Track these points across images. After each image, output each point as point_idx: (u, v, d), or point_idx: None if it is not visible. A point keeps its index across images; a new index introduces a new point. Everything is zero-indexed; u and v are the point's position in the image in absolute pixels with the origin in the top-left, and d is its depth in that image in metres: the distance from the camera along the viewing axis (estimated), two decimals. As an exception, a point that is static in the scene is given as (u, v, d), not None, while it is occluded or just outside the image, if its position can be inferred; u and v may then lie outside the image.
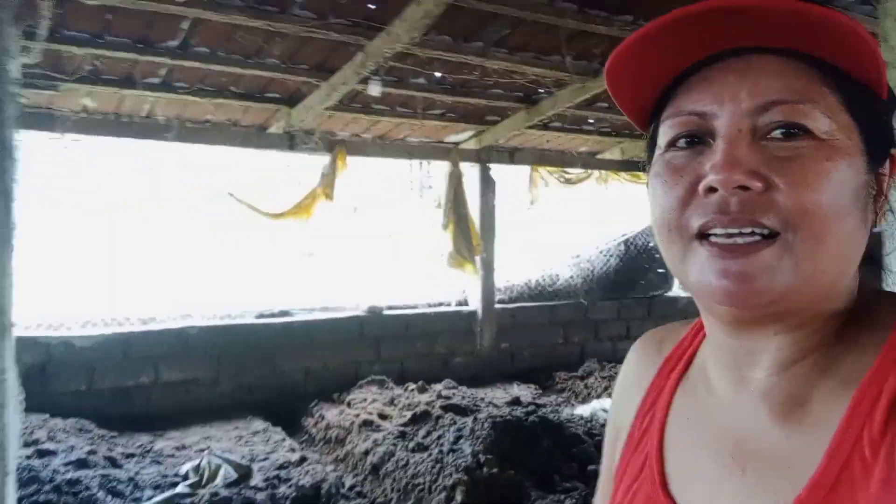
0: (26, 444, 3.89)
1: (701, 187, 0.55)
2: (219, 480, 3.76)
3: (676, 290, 8.47)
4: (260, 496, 3.64)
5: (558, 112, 5.67)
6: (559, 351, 7.33)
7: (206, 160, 5.69)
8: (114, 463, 3.97)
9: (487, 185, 6.81)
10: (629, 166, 7.35)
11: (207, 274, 6.16)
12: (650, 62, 0.59)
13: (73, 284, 5.49)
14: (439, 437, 4.54)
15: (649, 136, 0.65)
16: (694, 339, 0.74)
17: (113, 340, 5.19)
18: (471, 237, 6.56)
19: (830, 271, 0.55)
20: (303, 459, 4.34)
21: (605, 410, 5.08)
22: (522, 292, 7.41)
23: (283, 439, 4.82)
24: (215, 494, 3.47)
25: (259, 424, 5.10)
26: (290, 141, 5.54)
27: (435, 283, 7.04)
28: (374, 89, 4.44)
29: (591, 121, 6.45)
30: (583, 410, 5.46)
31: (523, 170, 7.14)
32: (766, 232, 0.53)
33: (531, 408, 5.24)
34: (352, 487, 4.03)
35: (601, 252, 7.96)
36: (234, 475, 3.85)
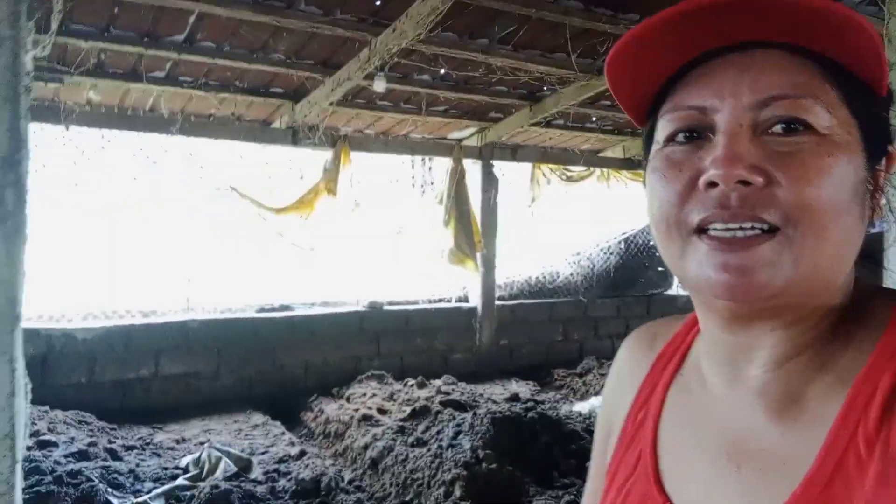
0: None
1: (701, 182, 0.55)
2: (219, 473, 3.78)
3: (676, 289, 8.50)
4: (260, 489, 3.66)
5: (561, 110, 5.68)
6: (558, 348, 7.36)
7: (210, 156, 5.69)
8: (114, 455, 3.99)
9: (489, 181, 6.82)
10: (631, 165, 7.36)
11: (209, 270, 6.17)
12: (650, 57, 0.58)
13: (76, 278, 5.50)
14: (438, 433, 4.56)
15: (646, 131, 0.65)
16: (687, 335, 0.73)
17: (114, 333, 5.20)
18: (472, 234, 6.57)
19: (829, 267, 0.55)
20: (302, 453, 4.36)
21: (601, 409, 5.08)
22: (522, 289, 7.44)
23: (283, 433, 4.84)
24: (216, 487, 3.49)
25: (258, 418, 5.12)
26: (294, 136, 5.55)
27: (435, 280, 7.05)
28: (380, 85, 4.45)
29: (593, 119, 6.46)
30: (581, 407, 5.48)
31: (525, 168, 7.15)
32: (765, 227, 0.52)
33: (530, 404, 5.26)
34: (351, 481, 4.05)
35: (601, 250, 7.98)
36: (234, 468, 3.87)
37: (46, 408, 4.49)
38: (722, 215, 0.53)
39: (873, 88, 0.58)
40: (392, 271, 6.93)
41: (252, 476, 3.85)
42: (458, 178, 6.48)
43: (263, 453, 4.32)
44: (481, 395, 5.80)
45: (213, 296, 5.98)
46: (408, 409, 5.14)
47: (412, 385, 5.92)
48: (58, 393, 4.78)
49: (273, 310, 6.11)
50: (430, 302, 6.96)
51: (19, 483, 1.52)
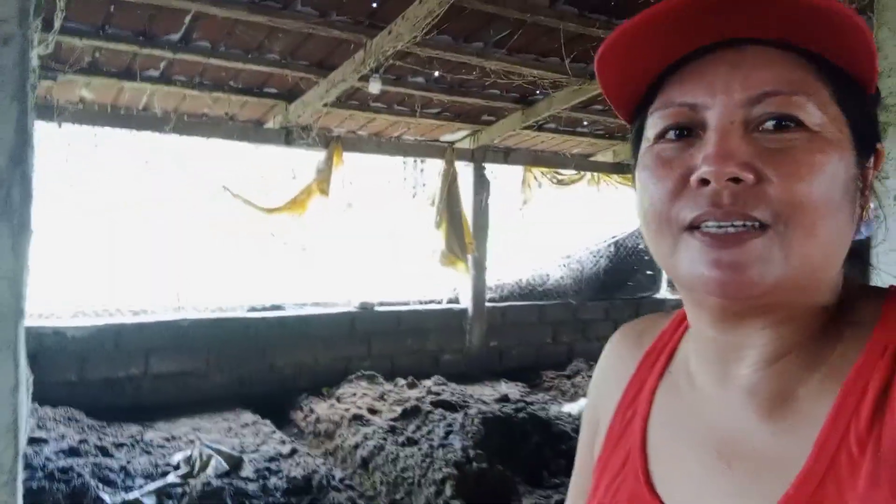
0: (18, 432, 3.88)
1: (693, 179, 0.54)
2: (210, 471, 3.78)
3: (664, 293, 8.58)
4: (251, 487, 3.67)
5: (553, 113, 5.73)
6: (548, 350, 7.40)
7: (204, 156, 5.69)
8: (105, 452, 3.98)
9: (481, 184, 6.87)
10: (621, 169, 7.44)
11: (205, 269, 6.17)
12: (641, 53, 0.58)
13: (70, 277, 5.49)
14: (429, 433, 4.59)
15: (636, 129, 0.64)
16: (675, 333, 0.73)
17: (105, 331, 5.19)
18: (463, 236, 6.61)
19: (820, 263, 0.54)
20: (293, 452, 4.37)
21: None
22: (513, 291, 7.49)
23: (273, 432, 4.84)
24: (207, 484, 3.50)
25: (249, 417, 5.12)
26: (287, 136, 5.57)
27: (426, 281, 7.08)
28: (375, 87, 4.48)
29: (585, 123, 6.52)
30: (570, 408, 5.53)
31: (516, 171, 7.21)
32: (756, 224, 0.52)
33: (520, 405, 5.30)
34: (341, 480, 4.07)
35: (591, 253, 8.05)
36: (225, 466, 3.87)
37: (36, 405, 4.48)
38: (715, 214, 0.53)
39: (863, 86, 0.58)
40: (384, 272, 6.96)
41: (243, 474, 3.85)
42: (450, 180, 6.52)
43: (254, 452, 4.32)
44: (471, 395, 5.83)
45: (207, 295, 5.98)
46: (399, 409, 5.17)
47: (403, 385, 5.95)
48: (48, 390, 4.75)
49: (264, 309, 6.12)
50: (421, 303, 6.99)
51: (21, 473, 1.54)
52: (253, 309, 6.08)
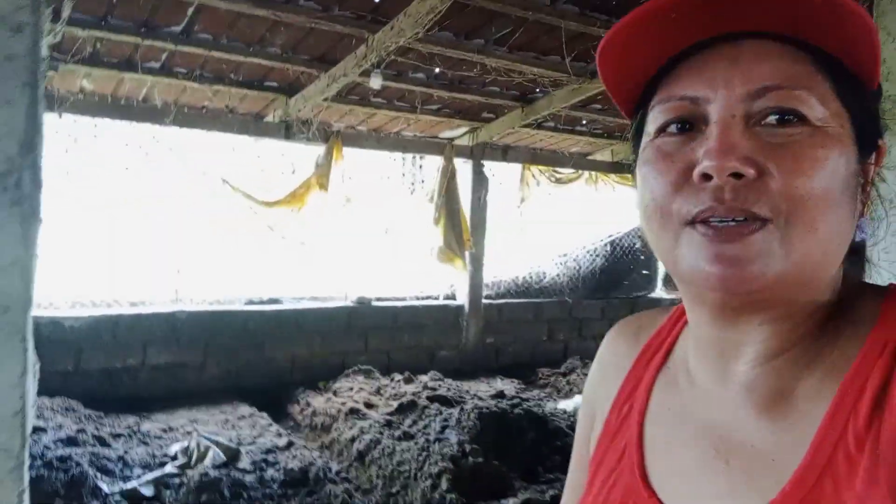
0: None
1: (695, 174, 0.54)
2: (207, 462, 3.80)
3: (659, 292, 8.63)
4: (249, 478, 3.69)
5: (553, 112, 5.75)
6: (543, 347, 7.44)
7: (204, 150, 5.69)
8: (102, 442, 4.00)
9: (480, 181, 6.89)
10: (619, 168, 7.47)
11: (204, 263, 6.18)
12: (642, 46, 0.57)
13: (68, 269, 5.48)
14: (425, 427, 4.61)
15: (636, 123, 0.64)
16: (673, 328, 0.72)
17: (102, 322, 5.19)
18: (461, 233, 6.63)
19: (820, 259, 0.54)
20: (290, 444, 4.39)
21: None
22: (509, 289, 7.51)
23: (270, 424, 4.86)
24: (205, 475, 3.51)
25: (245, 409, 5.13)
26: (287, 130, 5.57)
27: (424, 277, 7.10)
28: (376, 82, 4.48)
29: (584, 122, 6.55)
30: (566, 405, 5.56)
31: (515, 169, 7.23)
32: (757, 219, 0.52)
33: (516, 401, 5.33)
34: (337, 473, 4.09)
35: (587, 252, 8.08)
36: (222, 457, 3.89)
37: (33, 395, 4.48)
38: (717, 210, 0.52)
39: (865, 81, 0.57)
40: (381, 268, 6.97)
41: (240, 465, 3.87)
42: (448, 176, 6.54)
43: (251, 444, 4.34)
44: (467, 391, 5.86)
45: (205, 288, 5.99)
46: (395, 404, 5.19)
47: (399, 380, 5.97)
48: (45, 380, 4.72)
49: (262, 303, 6.13)
50: (417, 299, 7.01)
51: (27, 461, 1.56)
52: (250, 302, 6.09)
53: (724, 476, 0.57)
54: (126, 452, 3.88)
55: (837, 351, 0.56)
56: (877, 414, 0.50)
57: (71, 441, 3.82)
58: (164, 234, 5.98)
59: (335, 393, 5.60)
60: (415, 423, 4.75)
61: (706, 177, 0.53)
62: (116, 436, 4.21)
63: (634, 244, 8.25)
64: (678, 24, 0.55)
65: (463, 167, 6.78)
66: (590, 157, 7.50)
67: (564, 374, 6.78)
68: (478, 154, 6.78)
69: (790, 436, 0.55)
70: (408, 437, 4.50)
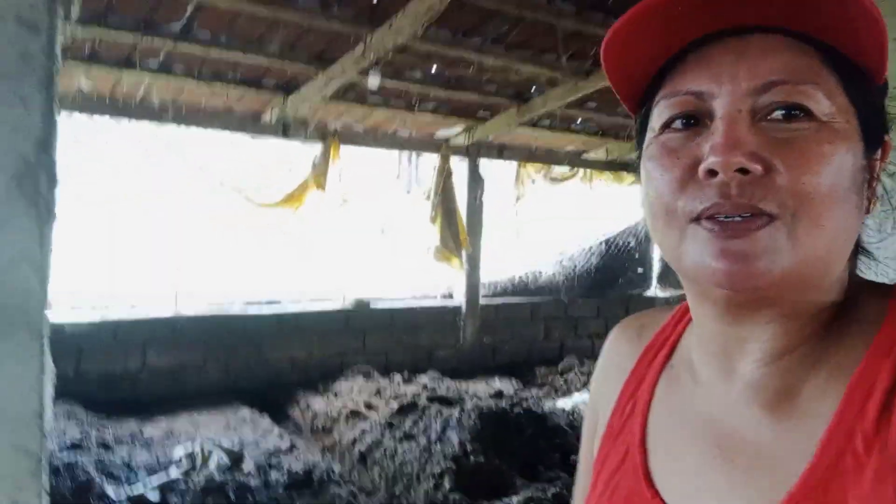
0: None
1: (701, 170, 0.53)
2: (212, 465, 3.78)
3: (654, 290, 8.67)
4: (253, 481, 3.67)
5: (548, 111, 5.76)
6: (540, 346, 7.46)
7: (203, 147, 5.67)
8: (106, 447, 3.97)
9: (476, 180, 6.89)
10: (614, 167, 7.50)
11: (203, 262, 6.16)
12: (646, 40, 0.57)
13: (67, 270, 5.46)
14: (426, 427, 4.61)
15: (640, 119, 0.63)
16: (676, 327, 0.72)
17: (102, 326, 5.16)
18: (458, 232, 6.63)
19: (827, 255, 0.53)
20: (292, 447, 4.38)
21: (585, 404, 5.20)
22: (506, 288, 7.53)
23: (271, 427, 4.84)
24: (210, 479, 3.50)
25: (246, 412, 5.11)
26: (284, 128, 5.55)
27: (421, 276, 7.11)
28: (374, 81, 4.48)
29: (579, 120, 6.56)
30: (564, 404, 5.58)
31: (511, 168, 7.24)
32: (764, 215, 0.51)
33: (515, 400, 5.35)
34: (341, 475, 4.08)
35: (583, 250, 8.11)
36: (226, 460, 3.87)
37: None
38: (723, 207, 0.52)
39: (871, 76, 0.56)
40: (378, 267, 6.97)
41: (244, 468, 3.86)
42: (445, 175, 6.54)
43: (253, 447, 4.32)
44: (466, 391, 5.87)
45: (205, 289, 5.97)
46: (395, 405, 5.19)
47: (398, 381, 5.97)
48: (43, 385, 4.72)
49: (260, 305, 6.12)
50: (415, 299, 7.01)
51: (46, 461, 1.55)
52: (249, 305, 6.08)
53: (728, 475, 0.57)
54: (130, 457, 3.86)
55: (843, 350, 0.55)
56: (885, 416, 0.50)
57: (75, 446, 3.79)
58: (164, 230, 5.95)
59: (335, 394, 5.60)
60: (416, 423, 4.75)
61: (712, 173, 0.52)
62: (119, 440, 4.18)
63: (629, 242, 8.30)
64: (684, 17, 0.54)
65: (459, 166, 6.78)
66: (585, 156, 7.52)
67: (562, 373, 6.80)
68: (474, 153, 6.78)
69: (796, 435, 0.54)
70: (409, 437, 4.50)
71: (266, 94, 5.12)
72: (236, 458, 3.93)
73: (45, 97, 1.46)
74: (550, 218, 7.97)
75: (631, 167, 7.65)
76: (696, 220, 0.53)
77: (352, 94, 5.37)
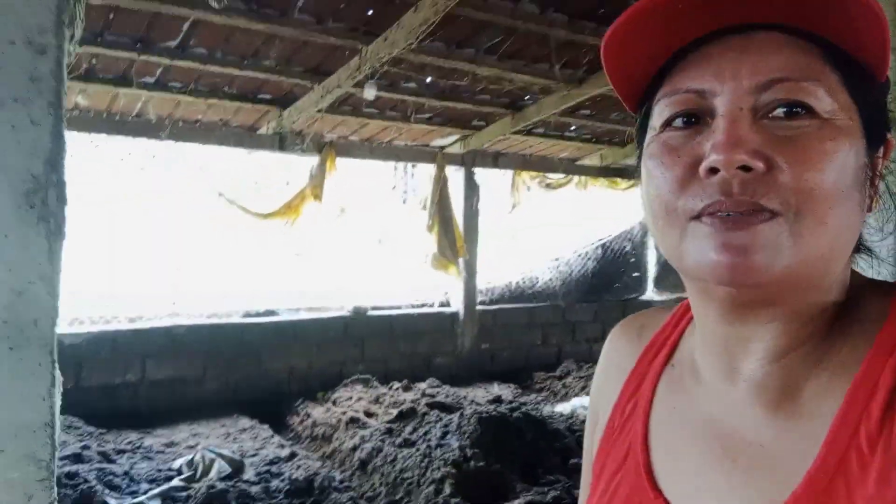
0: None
1: (702, 168, 0.53)
2: (213, 474, 3.82)
3: (650, 294, 8.72)
4: (255, 489, 3.70)
5: (542, 118, 5.83)
6: (537, 352, 7.50)
7: (202, 155, 5.72)
8: (107, 458, 4.00)
9: (471, 188, 6.95)
10: (608, 173, 7.57)
11: (201, 267, 6.20)
12: (646, 38, 0.56)
13: (68, 270, 5.49)
14: (426, 433, 4.65)
15: (640, 118, 0.63)
16: (677, 326, 0.71)
17: (101, 338, 5.19)
18: (455, 240, 6.69)
19: (829, 253, 0.53)
20: (293, 455, 4.42)
21: (584, 408, 5.25)
22: (503, 294, 7.58)
23: (272, 436, 4.88)
24: (212, 487, 3.53)
25: (246, 422, 5.15)
26: (281, 141, 5.61)
27: (418, 284, 7.16)
28: (370, 93, 4.54)
29: (573, 128, 6.63)
30: (563, 408, 5.62)
31: (506, 176, 7.31)
32: (766, 212, 0.51)
33: (514, 404, 5.38)
34: (341, 482, 4.11)
35: (579, 255, 8.17)
36: (227, 469, 3.91)
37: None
38: (724, 204, 0.51)
39: (873, 73, 0.56)
40: (376, 276, 7.02)
41: (245, 477, 3.89)
42: (441, 184, 6.60)
43: (254, 455, 4.36)
44: (465, 397, 5.90)
45: (204, 296, 6.01)
46: (395, 412, 5.22)
47: (397, 388, 6.00)
48: (43, 398, 4.75)
49: (258, 315, 6.15)
50: (413, 307, 7.05)
51: (56, 472, 1.59)
52: (247, 314, 6.11)
53: (731, 475, 0.56)
54: (131, 468, 3.89)
55: (846, 350, 0.55)
56: (889, 415, 0.50)
57: (76, 458, 3.82)
58: (164, 231, 5.99)
59: (334, 403, 5.63)
60: (415, 429, 4.78)
61: (713, 171, 0.52)
62: (120, 452, 4.21)
63: (625, 247, 8.36)
64: (685, 16, 0.54)
65: (455, 175, 6.85)
66: (579, 163, 7.59)
67: (560, 378, 6.85)
68: (469, 161, 6.85)
69: (799, 435, 0.54)
70: (409, 444, 4.53)
71: (262, 107, 5.18)
72: (237, 467, 3.96)
73: (54, 117, 1.51)
74: (546, 224, 8.02)
75: (625, 172, 7.75)
76: (697, 217, 0.53)
77: (347, 105, 5.43)
